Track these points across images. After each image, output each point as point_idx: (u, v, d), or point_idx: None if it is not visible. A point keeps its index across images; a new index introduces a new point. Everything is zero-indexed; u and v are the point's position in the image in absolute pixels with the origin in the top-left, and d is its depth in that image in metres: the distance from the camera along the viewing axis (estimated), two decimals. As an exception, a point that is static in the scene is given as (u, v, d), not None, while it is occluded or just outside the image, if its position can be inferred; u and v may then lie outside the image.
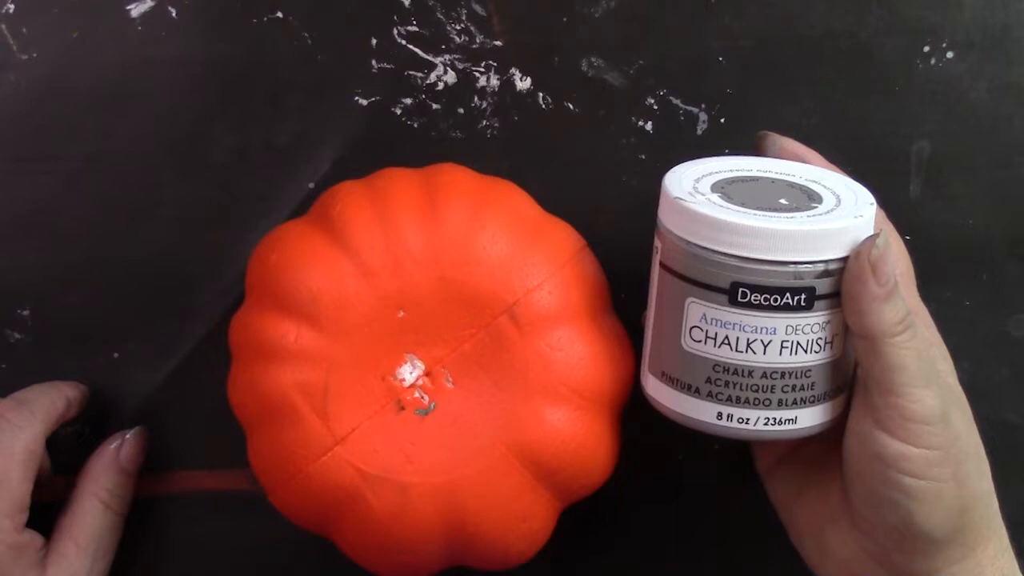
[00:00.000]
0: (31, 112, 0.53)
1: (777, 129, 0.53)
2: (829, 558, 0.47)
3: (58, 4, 0.52)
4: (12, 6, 0.52)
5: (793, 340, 0.43)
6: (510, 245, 0.47)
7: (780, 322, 0.43)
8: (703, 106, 0.54)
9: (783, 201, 0.44)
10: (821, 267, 0.42)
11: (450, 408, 0.48)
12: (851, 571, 0.46)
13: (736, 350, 0.43)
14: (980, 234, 0.55)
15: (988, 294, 0.55)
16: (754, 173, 0.47)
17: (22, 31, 0.52)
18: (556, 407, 0.47)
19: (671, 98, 0.54)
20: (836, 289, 0.43)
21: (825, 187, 0.45)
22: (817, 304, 0.43)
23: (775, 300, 0.42)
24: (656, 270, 0.46)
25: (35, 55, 0.53)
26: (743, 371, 0.44)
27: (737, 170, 0.47)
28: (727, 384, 0.44)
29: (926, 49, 0.53)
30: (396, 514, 0.46)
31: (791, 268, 0.42)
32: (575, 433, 0.47)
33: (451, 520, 0.47)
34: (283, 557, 0.56)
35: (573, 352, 0.47)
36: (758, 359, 0.43)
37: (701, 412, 0.45)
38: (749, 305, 0.43)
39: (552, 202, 0.51)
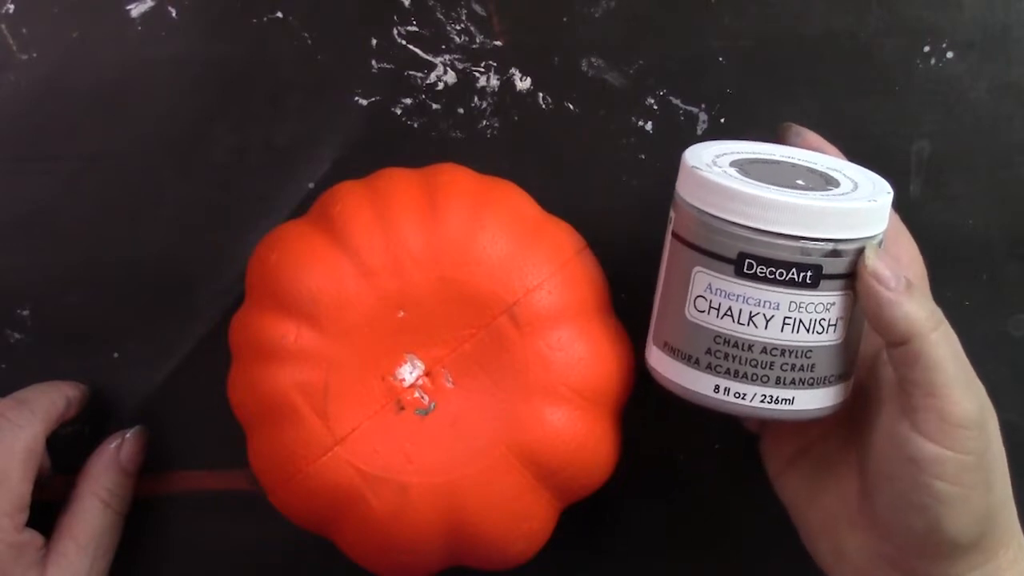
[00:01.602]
0: (31, 112, 0.53)
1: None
2: (845, 561, 0.47)
3: (58, 4, 0.52)
4: (12, 6, 0.52)
5: (796, 318, 0.43)
6: (510, 245, 0.47)
7: (784, 297, 0.43)
8: (703, 106, 0.54)
9: (800, 182, 0.44)
10: (830, 246, 0.42)
11: (450, 408, 0.48)
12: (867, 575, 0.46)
13: (738, 322, 0.44)
14: (980, 234, 0.55)
15: (988, 294, 0.55)
16: (776, 157, 0.47)
17: (22, 31, 0.52)
18: (556, 407, 0.47)
19: (671, 98, 0.54)
20: (844, 271, 0.43)
21: (845, 175, 0.46)
22: (823, 284, 0.43)
23: (780, 274, 0.43)
24: (668, 241, 0.46)
25: (35, 55, 0.53)
26: (743, 344, 0.44)
27: (759, 153, 0.47)
28: (726, 357, 0.44)
29: (926, 49, 0.53)
30: (396, 514, 0.46)
31: (799, 244, 0.42)
32: (575, 433, 0.47)
33: (451, 520, 0.47)
34: (283, 557, 0.56)
35: (573, 352, 0.47)
36: (759, 333, 0.44)
37: (699, 384, 0.45)
38: (755, 277, 0.43)
39: (552, 202, 0.51)
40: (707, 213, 0.43)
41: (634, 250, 0.54)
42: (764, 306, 0.43)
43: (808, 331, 0.44)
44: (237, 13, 0.53)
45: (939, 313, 0.43)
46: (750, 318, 0.43)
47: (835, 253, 0.43)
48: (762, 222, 0.42)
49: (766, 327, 0.43)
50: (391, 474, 0.46)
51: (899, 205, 0.53)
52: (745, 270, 0.43)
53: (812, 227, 0.42)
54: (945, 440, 0.42)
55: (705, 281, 0.44)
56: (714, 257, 0.43)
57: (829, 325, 0.44)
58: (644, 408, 0.51)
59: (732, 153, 0.46)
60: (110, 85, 0.53)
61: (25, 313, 0.54)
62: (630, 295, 0.51)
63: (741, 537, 0.57)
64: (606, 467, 0.49)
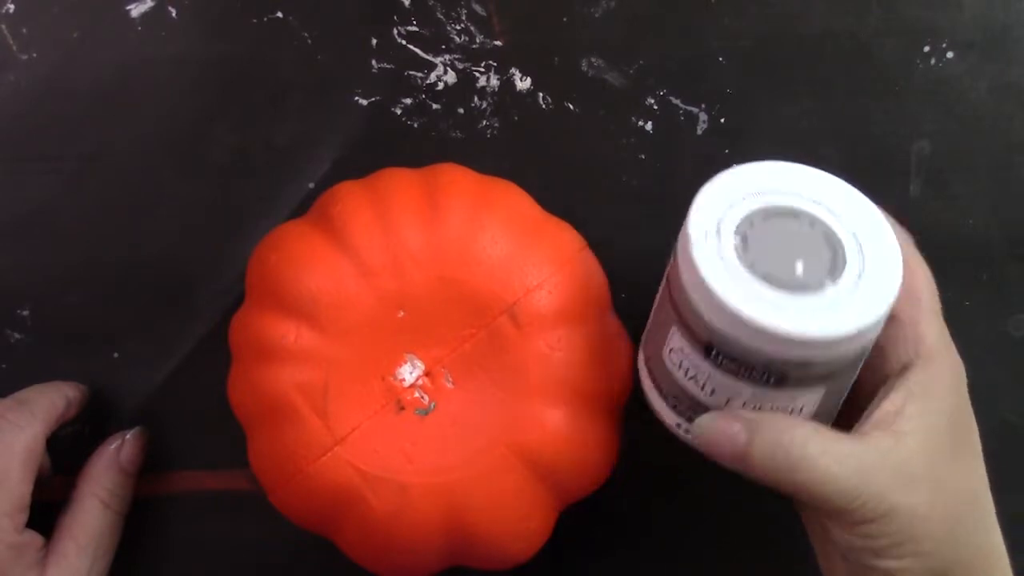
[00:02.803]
0: (31, 112, 0.53)
1: (778, 129, 0.53)
2: None
3: (58, 4, 0.52)
4: (12, 6, 0.52)
5: (757, 404, 0.43)
6: (510, 245, 0.47)
7: (747, 388, 0.42)
8: (703, 106, 0.54)
9: (799, 267, 0.42)
10: (798, 360, 0.41)
11: (450, 408, 0.48)
12: None
13: (702, 390, 0.43)
14: (980, 234, 0.55)
15: (988, 294, 0.55)
16: (800, 206, 0.43)
17: (22, 31, 0.52)
18: (556, 407, 0.47)
19: (671, 98, 0.54)
20: (814, 376, 0.42)
21: (859, 250, 0.42)
22: (789, 383, 0.42)
23: (744, 372, 0.42)
24: (666, 275, 0.46)
25: (35, 55, 0.53)
26: (703, 407, 0.44)
27: (783, 195, 0.43)
28: (688, 407, 0.44)
29: (926, 49, 0.53)
30: (396, 514, 0.46)
31: (764, 357, 0.41)
32: (575, 433, 0.47)
33: (451, 520, 0.47)
34: (283, 557, 0.56)
35: (573, 352, 0.47)
36: (722, 405, 0.43)
37: (665, 414, 0.46)
38: (720, 365, 0.42)
39: (552, 202, 0.51)
40: (687, 292, 0.42)
41: (634, 250, 0.54)
42: (727, 389, 0.42)
43: (772, 412, 0.43)
44: (237, 13, 0.53)
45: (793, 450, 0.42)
46: (713, 391, 0.43)
47: (804, 366, 0.41)
48: (731, 328, 0.41)
49: (727, 403, 0.43)
50: (391, 474, 0.46)
51: (899, 205, 0.53)
52: (712, 356, 0.42)
53: (782, 350, 0.41)
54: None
55: (679, 342, 0.43)
56: (689, 330, 0.43)
57: (794, 412, 0.43)
58: (644, 408, 0.51)
59: (751, 196, 0.43)
60: (110, 85, 0.53)
61: (25, 313, 0.54)
62: (630, 295, 0.51)
63: (740, 537, 0.57)
64: (606, 467, 0.49)
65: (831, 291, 0.41)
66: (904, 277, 0.43)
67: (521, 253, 0.47)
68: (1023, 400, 0.56)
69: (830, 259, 0.42)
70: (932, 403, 0.44)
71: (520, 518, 0.47)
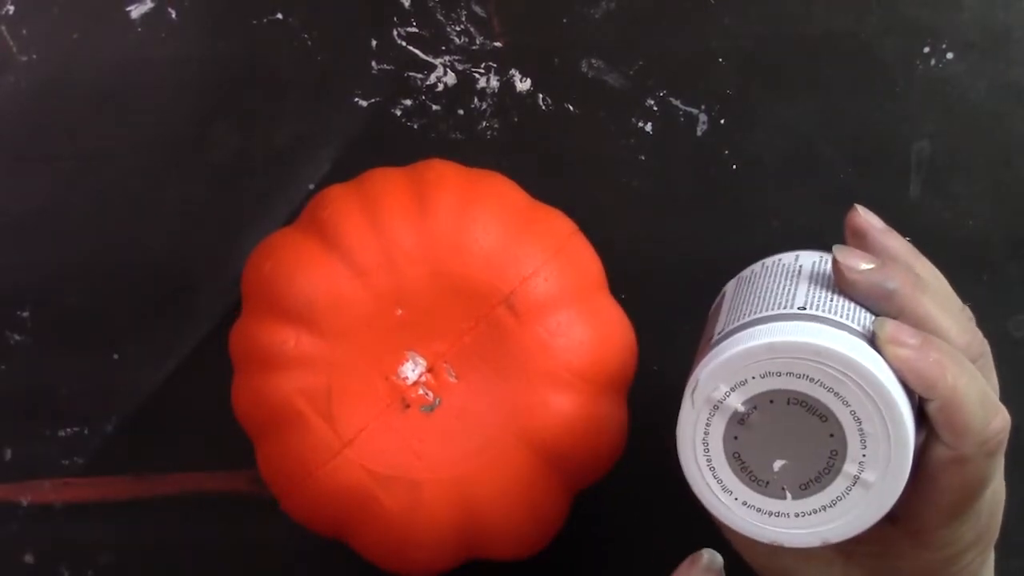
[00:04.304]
0: (31, 112, 0.53)
1: (778, 129, 0.53)
2: None
3: (58, 5, 0.52)
4: (12, 7, 0.52)
5: None
6: (502, 235, 0.47)
7: None
8: (703, 107, 0.54)
9: (788, 466, 0.40)
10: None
11: (455, 402, 0.48)
12: None
13: None
14: (980, 234, 0.55)
15: (988, 294, 0.55)
16: (810, 392, 0.39)
17: (22, 32, 0.52)
18: (560, 392, 0.47)
19: (671, 99, 0.54)
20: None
21: (860, 465, 0.39)
22: None
23: None
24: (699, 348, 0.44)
25: (35, 56, 0.53)
26: None
27: (799, 377, 0.39)
28: None
29: (926, 49, 0.53)
30: (409, 512, 0.46)
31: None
32: (581, 416, 0.47)
33: (465, 513, 0.47)
34: (284, 558, 0.56)
35: (573, 336, 0.47)
36: None
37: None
38: None
39: (552, 202, 0.51)
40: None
41: (634, 251, 0.54)
42: None
43: None
44: (237, 13, 0.53)
45: None
46: None
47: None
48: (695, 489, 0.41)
49: None
50: (401, 472, 0.46)
51: (899, 205, 0.53)
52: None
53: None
54: None
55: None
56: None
57: None
58: (647, 404, 0.50)
59: (760, 378, 0.39)
60: (110, 85, 0.53)
61: (25, 314, 0.54)
62: (630, 295, 0.51)
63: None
64: (615, 448, 0.49)
65: (801, 502, 0.40)
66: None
67: (514, 242, 0.47)
68: (1023, 400, 0.56)
69: (826, 458, 0.40)
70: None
71: (534, 506, 0.47)
